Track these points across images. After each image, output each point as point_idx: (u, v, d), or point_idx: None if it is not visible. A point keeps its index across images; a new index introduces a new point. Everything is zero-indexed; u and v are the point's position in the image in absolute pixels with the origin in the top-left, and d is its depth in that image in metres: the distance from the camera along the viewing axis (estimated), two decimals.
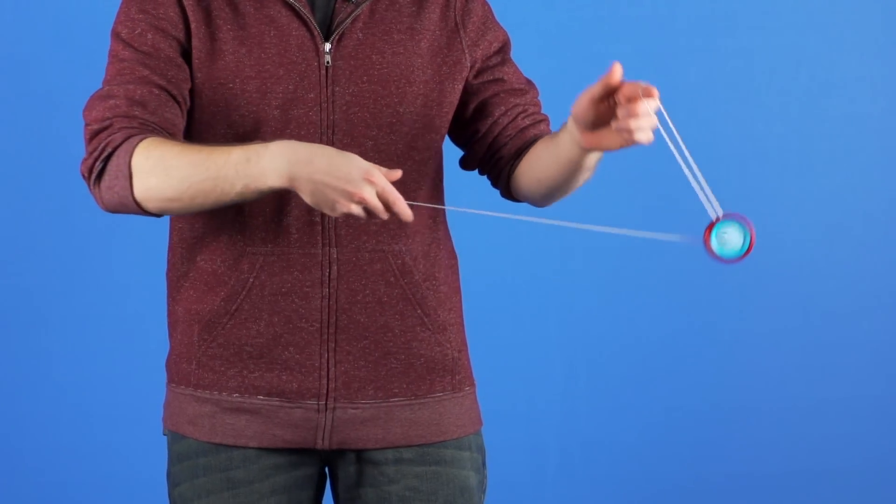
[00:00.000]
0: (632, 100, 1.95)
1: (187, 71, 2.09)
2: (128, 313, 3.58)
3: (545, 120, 2.26)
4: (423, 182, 2.17)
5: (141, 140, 1.99)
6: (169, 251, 2.19)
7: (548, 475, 3.80)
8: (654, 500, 3.84)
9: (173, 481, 2.19)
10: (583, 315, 3.80)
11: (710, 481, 3.85)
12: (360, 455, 2.17)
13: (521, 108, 2.23)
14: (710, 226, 1.96)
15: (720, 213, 1.93)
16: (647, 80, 3.84)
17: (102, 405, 3.58)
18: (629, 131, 1.97)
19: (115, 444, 3.59)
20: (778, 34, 3.82)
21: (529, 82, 2.27)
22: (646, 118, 1.96)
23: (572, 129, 2.07)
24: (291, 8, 2.11)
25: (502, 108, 2.22)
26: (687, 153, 1.93)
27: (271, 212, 2.09)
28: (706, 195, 1.93)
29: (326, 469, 2.23)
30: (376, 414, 2.15)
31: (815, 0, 3.83)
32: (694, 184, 1.92)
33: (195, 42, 2.09)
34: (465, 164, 2.29)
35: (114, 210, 2.05)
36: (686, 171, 1.92)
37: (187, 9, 2.09)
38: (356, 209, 1.93)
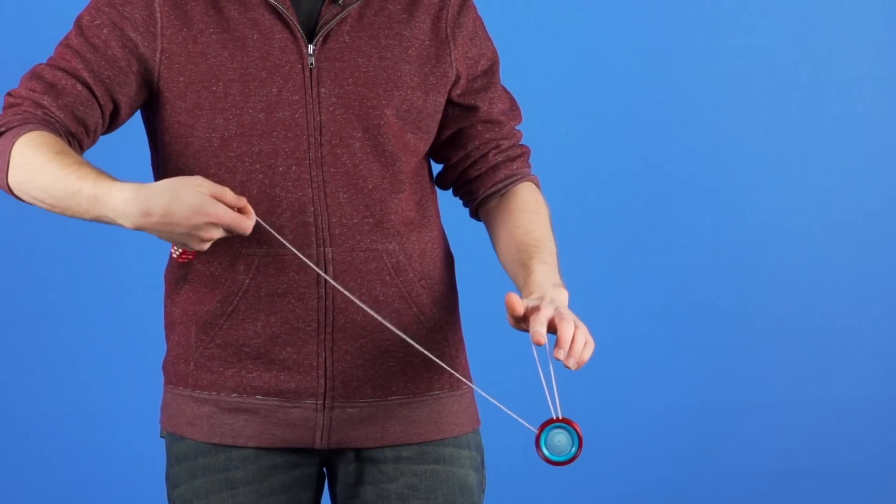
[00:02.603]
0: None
1: (131, 76, 2.09)
2: (127, 314, 3.58)
3: (522, 155, 2.26)
4: (408, 184, 2.17)
5: (29, 131, 2.02)
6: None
7: (547, 474, 3.80)
8: (654, 499, 3.85)
9: (172, 483, 2.19)
10: (581, 314, 3.79)
11: (710, 480, 3.85)
12: (360, 453, 2.18)
13: (493, 144, 2.23)
14: (544, 426, 2.02)
15: (559, 415, 1.99)
16: (646, 85, 3.84)
17: (102, 406, 3.58)
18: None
19: (114, 446, 3.59)
20: (778, 34, 3.82)
21: (511, 110, 2.26)
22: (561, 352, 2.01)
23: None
24: (275, 10, 2.11)
25: (476, 141, 2.23)
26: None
27: (263, 214, 2.09)
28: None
29: (325, 469, 2.23)
30: (375, 413, 2.15)
31: (815, 0, 3.83)
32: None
33: (170, 46, 2.09)
34: (439, 183, 2.29)
35: None
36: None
37: (160, 13, 2.09)
38: (207, 246, 1.96)
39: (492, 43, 2.25)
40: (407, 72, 2.14)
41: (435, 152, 2.26)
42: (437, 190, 2.26)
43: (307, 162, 2.10)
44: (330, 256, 2.11)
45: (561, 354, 1.99)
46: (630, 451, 3.82)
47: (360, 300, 2.12)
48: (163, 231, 1.94)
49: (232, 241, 2.10)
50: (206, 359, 2.14)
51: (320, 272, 2.08)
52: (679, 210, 3.82)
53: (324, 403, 2.13)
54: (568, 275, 3.78)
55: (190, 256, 2.04)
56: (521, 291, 2.10)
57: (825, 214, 3.85)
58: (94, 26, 2.10)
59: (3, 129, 2.04)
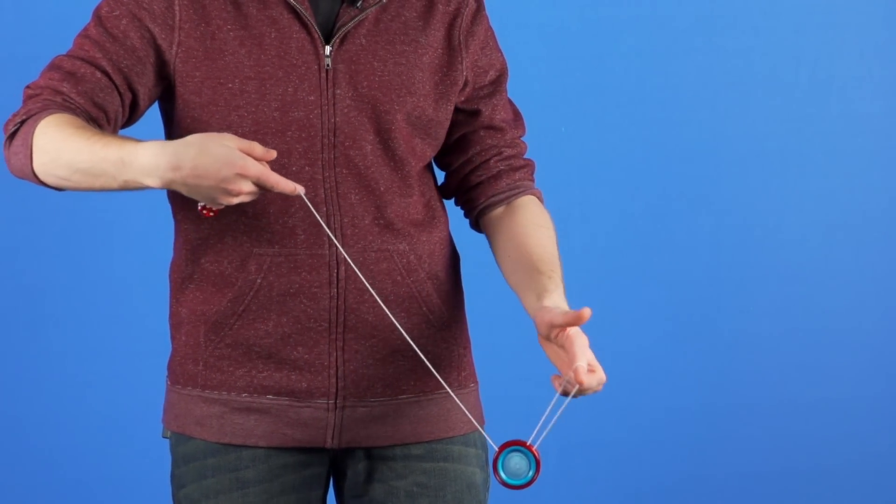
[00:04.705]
0: (569, 365, 2.01)
1: (149, 66, 2.09)
2: (129, 313, 3.58)
3: (525, 167, 2.26)
4: (417, 187, 2.18)
5: (49, 115, 2.02)
6: (174, 252, 2.19)
7: (547, 475, 3.79)
8: (654, 499, 3.85)
9: (179, 483, 2.19)
10: None
11: (709, 481, 3.85)
12: (370, 452, 2.18)
13: (495, 151, 2.23)
14: (504, 447, 2.01)
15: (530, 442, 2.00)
16: (646, 85, 3.85)
17: (103, 406, 3.58)
18: (560, 389, 2.03)
19: (116, 446, 3.59)
20: (778, 34, 3.82)
21: (515, 120, 2.26)
22: (573, 388, 2.01)
23: (533, 314, 2.09)
24: (293, 10, 2.11)
25: (477, 147, 2.23)
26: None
27: (275, 213, 2.09)
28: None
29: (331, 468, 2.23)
30: (385, 411, 2.16)
31: (815, 0, 3.83)
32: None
33: (187, 41, 2.09)
34: (443, 192, 2.29)
35: (18, 176, 2.06)
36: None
37: (178, 6, 2.09)
38: (236, 200, 1.95)
39: (502, 55, 2.26)
40: (420, 79, 2.15)
41: (437, 159, 2.27)
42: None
43: (320, 162, 2.10)
44: (342, 256, 2.10)
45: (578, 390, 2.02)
46: (630, 451, 3.82)
47: (372, 300, 2.12)
48: (191, 185, 1.93)
49: (242, 241, 2.11)
50: (216, 359, 2.14)
51: (333, 238, 2.08)
52: (679, 210, 3.82)
53: (335, 403, 2.13)
54: (568, 275, 3.79)
55: (214, 212, 2.01)
56: (532, 296, 2.11)
57: (825, 214, 3.85)
58: (113, 17, 2.09)
59: (24, 117, 2.04)
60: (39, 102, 2.05)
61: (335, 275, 2.11)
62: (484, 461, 2.25)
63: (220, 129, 2.08)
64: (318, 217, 2.07)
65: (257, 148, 1.95)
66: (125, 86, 2.09)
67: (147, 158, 1.94)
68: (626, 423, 3.82)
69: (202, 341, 2.14)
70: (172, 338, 2.20)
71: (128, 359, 3.57)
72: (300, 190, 1.98)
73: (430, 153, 2.20)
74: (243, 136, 2.08)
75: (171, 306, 2.20)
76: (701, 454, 3.84)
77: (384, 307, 2.09)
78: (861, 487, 3.90)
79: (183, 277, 2.17)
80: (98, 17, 2.11)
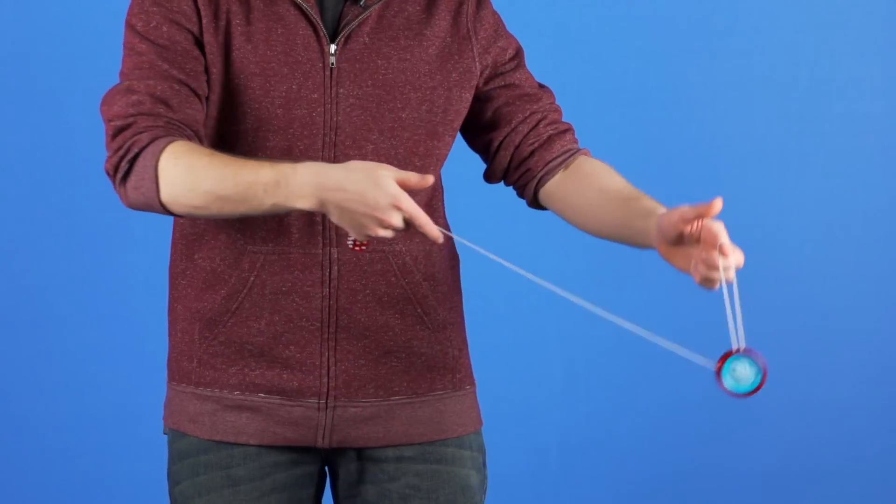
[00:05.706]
0: (711, 245, 1.91)
1: (203, 62, 2.08)
2: (128, 312, 3.58)
3: (570, 129, 2.25)
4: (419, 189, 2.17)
5: (168, 143, 1.98)
6: (171, 247, 2.20)
7: (548, 474, 3.80)
8: (654, 499, 3.85)
9: (174, 479, 2.20)
10: (582, 315, 3.79)
11: (709, 480, 3.85)
12: (361, 453, 2.18)
13: (540, 115, 2.22)
14: (725, 358, 1.96)
15: (741, 346, 1.96)
16: (647, 85, 3.84)
17: (104, 404, 3.58)
18: (701, 276, 1.96)
19: (115, 444, 3.59)
20: (778, 34, 3.82)
21: (542, 87, 2.25)
22: (718, 272, 1.93)
23: (651, 230, 2.04)
24: (299, 8, 2.11)
25: (520, 115, 2.21)
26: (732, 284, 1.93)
27: None
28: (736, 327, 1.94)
29: (326, 467, 2.23)
30: (377, 412, 2.16)
31: (815, 0, 3.83)
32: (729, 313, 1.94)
33: (206, 36, 2.09)
34: (489, 176, 2.27)
35: (139, 209, 2.03)
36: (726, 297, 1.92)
37: (199, 3, 2.09)
38: (383, 232, 1.92)
39: (514, 37, 2.26)
40: (426, 72, 2.14)
41: (478, 140, 2.24)
42: (444, 189, 2.26)
43: (321, 161, 2.09)
44: (335, 256, 2.11)
45: (707, 273, 1.95)
46: (630, 450, 3.82)
47: (365, 300, 2.12)
48: (347, 208, 1.90)
49: (235, 238, 2.11)
50: (210, 356, 2.14)
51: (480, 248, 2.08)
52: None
53: (326, 402, 2.14)
54: (568, 274, 3.80)
55: (365, 245, 1.97)
56: (639, 219, 2.09)
57: (825, 214, 3.85)
58: (152, 28, 2.07)
59: (136, 149, 2.00)
60: (143, 131, 2.01)
61: (328, 274, 2.11)
62: (481, 463, 2.25)
63: (225, 125, 2.10)
64: (474, 247, 2.04)
65: (413, 177, 1.92)
66: (201, 89, 2.07)
67: (307, 178, 1.91)
68: (625, 422, 3.82)
69: (196, 338, 2.15)
70: (170, 334, 2.21)
71: (129, 357, 3.57)
72: (441, 238, 1.95)
73: (442, 150, 2.19)
74: (245, 132, 2.09)
75: (168, 302, 2.21)
76: (701, 454, 3.84)
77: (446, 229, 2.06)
78: (861, 487, 3.89)
79: (177, 273, 2.17)
80: (137, 34, 2.07)
